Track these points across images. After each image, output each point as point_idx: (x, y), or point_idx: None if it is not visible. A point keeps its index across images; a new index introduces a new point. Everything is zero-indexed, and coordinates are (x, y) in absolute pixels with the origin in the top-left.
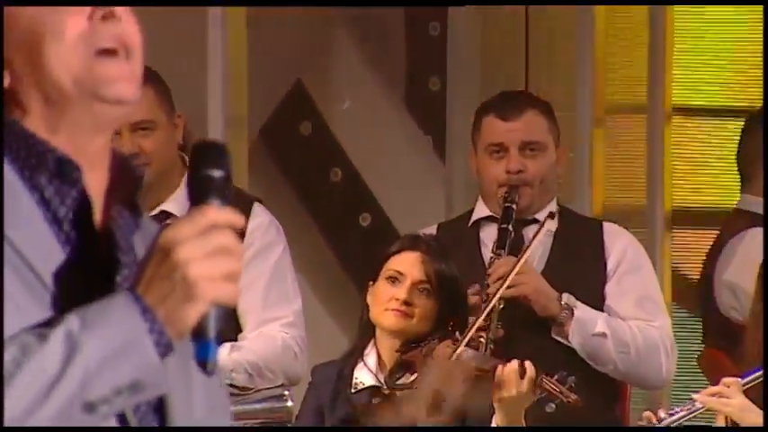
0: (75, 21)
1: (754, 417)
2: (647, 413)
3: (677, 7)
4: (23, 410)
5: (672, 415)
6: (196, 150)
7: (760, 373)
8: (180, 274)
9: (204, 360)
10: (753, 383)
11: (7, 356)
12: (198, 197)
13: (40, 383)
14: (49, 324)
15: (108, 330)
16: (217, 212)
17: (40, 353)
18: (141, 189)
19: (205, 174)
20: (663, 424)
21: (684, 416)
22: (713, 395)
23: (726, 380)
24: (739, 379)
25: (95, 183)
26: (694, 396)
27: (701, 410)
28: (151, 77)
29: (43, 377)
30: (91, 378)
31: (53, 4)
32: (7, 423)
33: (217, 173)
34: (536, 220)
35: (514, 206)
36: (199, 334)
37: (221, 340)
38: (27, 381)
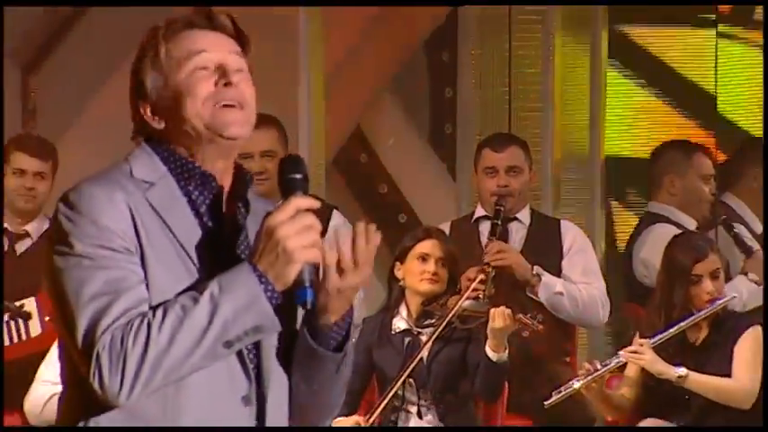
0: (204, 85)
1: (660, 366)
2: (586, 364)
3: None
4: (187, 348)
5: (605, 366)
6: (284, 161)
7: (663, 334)
8: (281, 247)
9: (303, 301)
10: (658, 342)
11: (171, 315)
12: (287, 192)
13: (196, 331)
14: (197, 289)
15: (237, 292)
16: (300, 200)
17: (194, 310)
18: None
19: (290, 176)
20: (597, 374)
21: (612, 366)
22: (632, 352)
23: (638, 340)
24: (649, 339)
25: (220, 179)
26: (620, 352)
27: (623, 362)
28: (277, 123)
29: (198, 326)
30: (228, 326)
31: (53, 5)
32: (174, 360)
33: (298, 175)
34: (516, 219)
35: (502, 209)
36: (298, 284)
37: (313, 287)
38: (186, 330)
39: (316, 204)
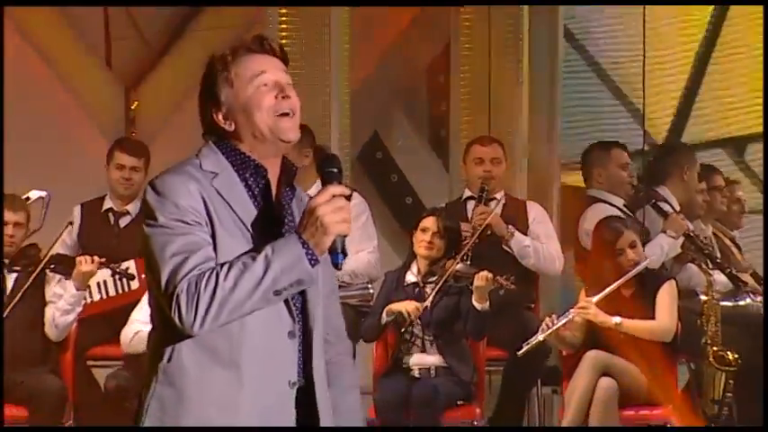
0: (267, 99)
1: (601, 317)
2: (547, 319)
3: None
4: (246, 293)
5: (560, 321)
6: (323, 158)
7: (602, 294)
8: (319, 222)
9: (336, 263)
10: (598, 299)
11: (235, 268)
12: (325, 182)
13: (253, 281)
14: (257, 251)
15: (285, 255)
16: (335, 188)
17: (252, 265)
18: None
19: (328, 170)
20: (555, 327)
21: (565, 321)
22: (581, 308)
23: (584, 299)
24: (592, 298)
25: (273, 175)
26: (571, 310)
27: (574, 317)
28: (308, 129)
29: (254, 278)
30: (277, 279)
31: (53, 5)
32: (235, 302)
33: (334, 169)
34: (495, 198)
35: (486, 188)
36: (332, 250)
37: (343, 253)
38: (245, 283)
39: (346, 191)
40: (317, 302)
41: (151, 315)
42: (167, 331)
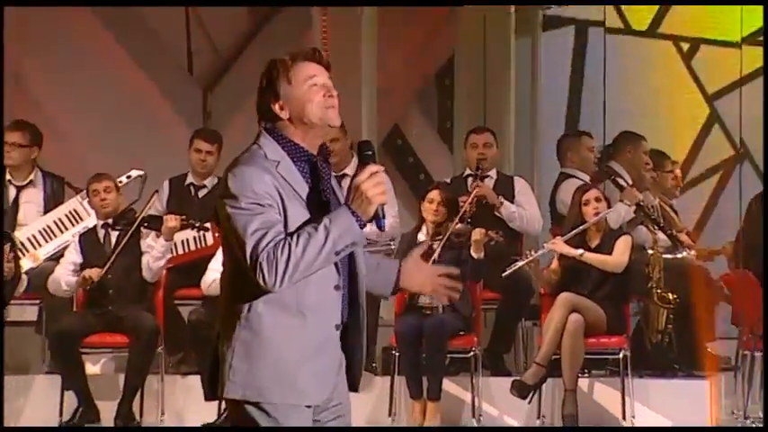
0: (319, 95)
1: (566, 249)
2: (526, 251)
3: None
4: (313, 256)
5: (536, 253)
6: (361, 144)
7: (568, 234)
8: (364, 195)
9: (380, 226)
10: (565, 239)
11: (302, 237)
12: (363, 163)
13: (318, 247)
14: (315, 223)
15: (340, 223)
16: (373, 166)
17: (315, 234)
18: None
19: (366, 153)
20: (532, 257)
21: (540, 253)
22: (552, 243)
23: (556, 238)
24: (560, 237)
25: (317, 158)
26: (544, 244)
27: (546, 251)
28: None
29: (318, 243)
30: (336, 242)
31: (53, 5)
32: (305, 263)
33: (370, 152)
34: (488, 175)
35: (481, 168)
36: (375, 216)
37: (384, 217)
38: (311, 248)
39: (381, 168)
40: (361, 259)
41: (226, 269)
42: (245, 289)
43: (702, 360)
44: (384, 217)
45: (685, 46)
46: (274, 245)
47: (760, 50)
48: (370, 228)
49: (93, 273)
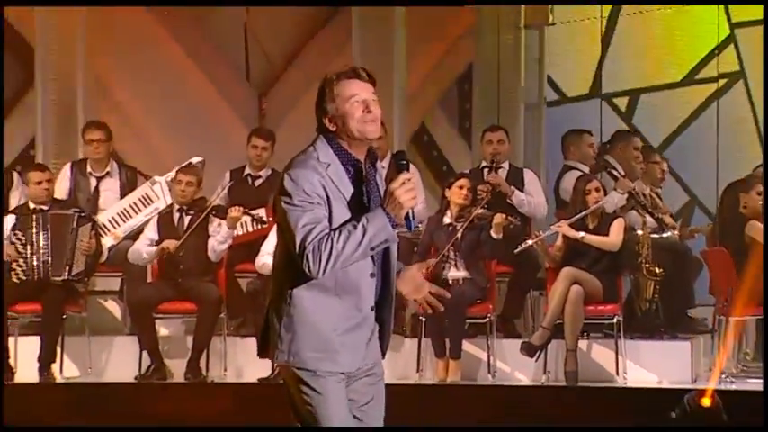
0: (358, 112)
1: (571, 232)
2: (535, 232)
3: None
4: (352, 250)
5: (543, 234)
6: (396, 154)
7: (572, 218)
8: (396, 200)
9: (409, 227)
10: (569, 222)
11: (343, 233)
12: (399, 170)
13: (356, 243)
14: (355, 221)
15: (376, 223)
16: (405, 175)
17: (354, 232)
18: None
19: (400, 162)
20: (540, 237)
21: (547, 234)
22: (557, 226)
23: (561, 222)
24: (565, 221)
25: (362, 159)
26: (551, 227)
27: (552, 232)
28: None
29: (356, 240)
30: (371, 239)
31: (53, 5)
32: (345, 256)
33: (404, 161)
34: (501, 167)
35: (495, 161)
36: (406, 218)
37: (414, 219)
38: (351, 243)
39: (413, 176)
40: (394, 252)
41: (278, 252)
42: (293, 273)
43: (684, 324)
44: (414, 218)
45: None
46: (320, 239)
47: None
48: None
49: (171, 244)
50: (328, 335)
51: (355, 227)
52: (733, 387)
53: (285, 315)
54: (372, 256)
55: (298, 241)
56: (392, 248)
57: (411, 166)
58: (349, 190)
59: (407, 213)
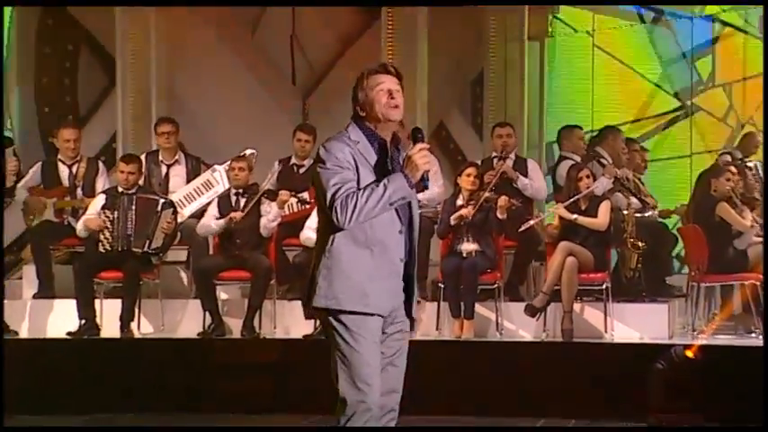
0: (384, 98)
1: (566, 213)
2: (535, 211)
3: None
4: (374, 204)
5: (542, 216)
6: (414, 129)
7: (567, 202)
8: (413, 164)
9: (425, 185)
10: (564, 205)
11: (367, 191)
12: (415, 141)
13: (378, 198)
14: (378, 182)
15: (396, 182)
16: (421, 144)
17: (377, 189)
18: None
19: (417, 135)
20: (539, 218)
21: (545, 216)
22: (554, 209)
23: (558, 204)
24: (561, 204)
25: (388, 140)
26: (549, 209)
27: (551, 213)
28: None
29: (378, 196)
30: (391, 196)
31: (53, 5)
32: (368, 209)
33: (420, 134)
34: (509, 157)
35: (504, 152)
36: (422, 178)
37: (428, 180)
38: (373, 197)
39: (427, 146)
40: (416, 212)
41: (319, 220)
42: (329, 229)
43: (663, 289)
44: (428, 180)
45: None
46: (347, 195)
47: None
48: (423, 196)
49: (237, 215)
50: (361, 281)
51: (378, 185)
52: (713, 342)
53: (324, 267)
54: (400, 217)
55: (328, 196)
56: (414, 212)
57: (432, 156)
58: (374, 159)
59: (423, 175)
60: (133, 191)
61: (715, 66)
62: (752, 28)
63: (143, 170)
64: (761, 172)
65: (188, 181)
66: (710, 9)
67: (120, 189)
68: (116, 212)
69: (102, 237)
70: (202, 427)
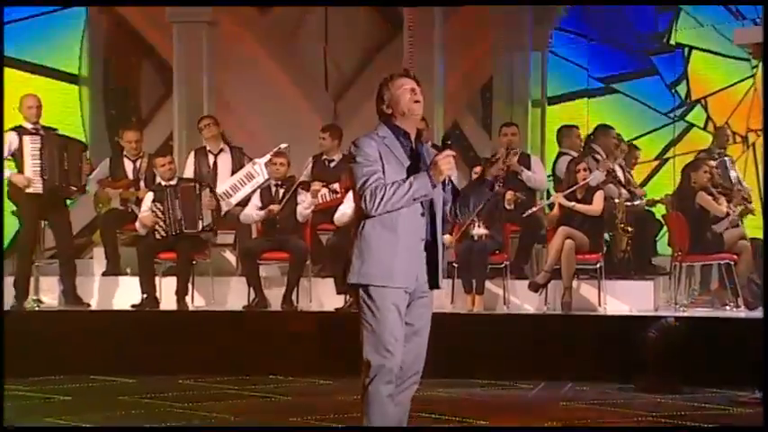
0: (408, 96)
1: (564, 201)
2: (537, 200)
3: None
4: (399, 198)
5: (544, 203)
6: (444, 135)
7: (566, 191)
8: (438, 168)
9: (444, 190)
10: (563, 194)
11: (394, 185)
12: (443, 147)
13: (402, 193)
14: (406, 179)
15: (421, 180)
16: (448, 151)
17: (403, 185)
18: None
19: (446, 142)
20: (540, 205)
21: (547, 203)
22: (555, 197)
23: (558, 194)
24: (560, 193)
25: (412, 136)
26: (550, 198)
27: (551, 202)
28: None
29: (403, 191)
30: (414, 192)
31: (53, 5)
32: (394, 201)
33: (449, 141)
34: (515, 151)
35: (510, 148)
36: (443, 183)
37: (450, 184)
38: (399, 192)
39: (454, 153)
40: (438, 201)
41: (354, 208)
42: (361, 214)
43: (649, 268)
44: (449, 184)
45: None
46: (376, 186)
47: None
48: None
49: (275, 208)
50: (388, 259)
51: (404, 182)
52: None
53: (357, 248)
54: (422, 203)
55: (358, 186)
56: (437, 200)
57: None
58: (400, 154)
59: (444, 179)
60: (174, 182)
61: (689, 87)
62: (712, 45)
63: (174, 162)
64: (730, 166)
65: (233, 167)
66: (680, 37)
67: (162, 183)
68: (165, 203)
69: (156, 227)
70: (202, 427)
